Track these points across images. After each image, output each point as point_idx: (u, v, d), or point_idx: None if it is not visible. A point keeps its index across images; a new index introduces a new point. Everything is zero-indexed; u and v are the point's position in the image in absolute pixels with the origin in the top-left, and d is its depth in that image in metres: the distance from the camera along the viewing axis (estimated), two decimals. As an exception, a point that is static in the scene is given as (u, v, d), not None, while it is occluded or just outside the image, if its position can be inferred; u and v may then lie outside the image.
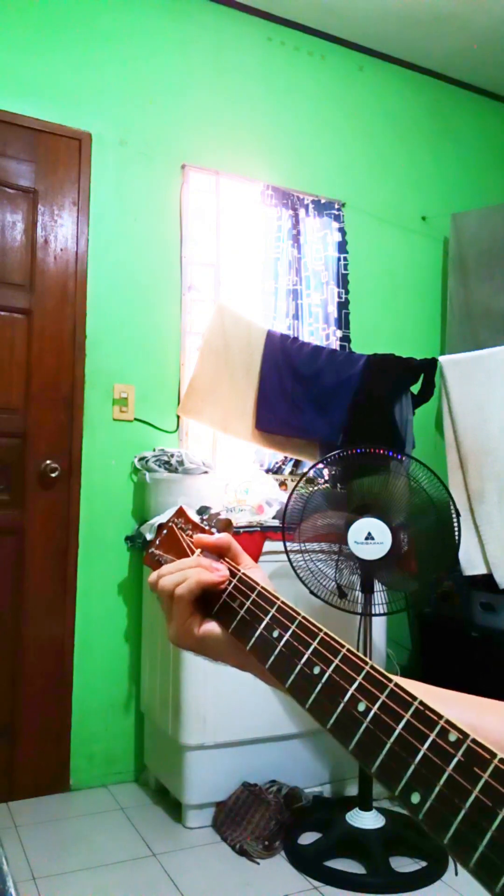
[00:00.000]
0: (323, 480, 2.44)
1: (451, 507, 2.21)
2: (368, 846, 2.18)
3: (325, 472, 2.42)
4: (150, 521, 2.58)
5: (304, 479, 2.34)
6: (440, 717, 0.45)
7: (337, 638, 0.56)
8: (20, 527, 2.64)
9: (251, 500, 2.71)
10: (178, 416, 2.92)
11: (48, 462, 2.67)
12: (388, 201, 3.49)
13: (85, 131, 2.81)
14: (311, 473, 2.37)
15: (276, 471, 3.05)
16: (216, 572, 0.68)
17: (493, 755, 0.41)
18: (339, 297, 3.20)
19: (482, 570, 2.68)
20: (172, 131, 3.00)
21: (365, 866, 2.15)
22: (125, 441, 2.81)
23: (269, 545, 2.52)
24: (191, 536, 0.76)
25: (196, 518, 0.78)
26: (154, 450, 2.78)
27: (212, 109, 3.09)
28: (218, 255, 3.06)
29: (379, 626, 2.68)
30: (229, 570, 0.70)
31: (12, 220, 2.68)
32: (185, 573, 0.68)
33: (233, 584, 0.68)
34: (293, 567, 2.27)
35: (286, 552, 2.27)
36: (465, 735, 0.43)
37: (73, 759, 2.68)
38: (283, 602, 0.63)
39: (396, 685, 0.49)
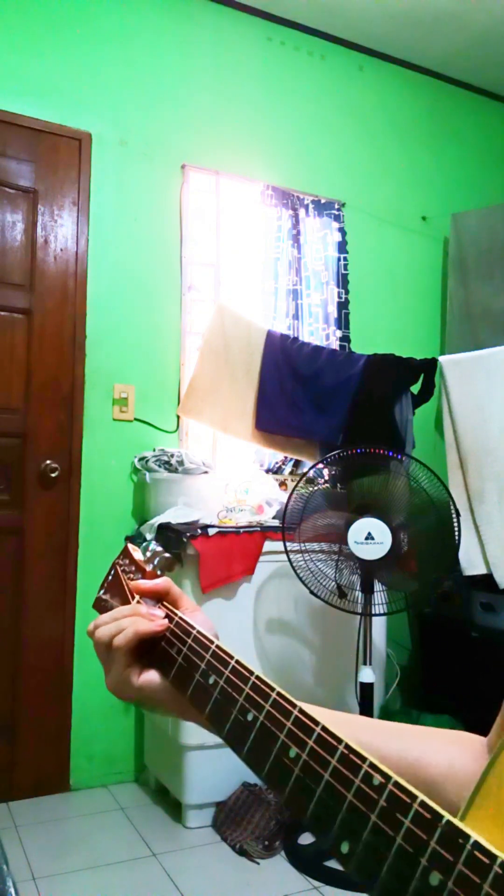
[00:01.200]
0: (323, 480, 2.44)
1: (451, 507, 2.21)
2: (368, 846, 2.17)
3: (325, 472, 2.42)
4: (150, 521, 2.58)
5: (304, 479, 2.34)
6: (364, 759, 0.44)
7: (267, 680, 0.55)
8: (20, 527, 2.64)
9: (251, 500, 2.71)
10: (178, 416, 2.92)
11: (48, 462, 2.67)
12: (388, 201, 3.49)
13: (85, 131, 2.81)
14: (311, 473, 2.37)
15: (276, 471, 3.04)
16: (153, 621, 0.66)
17: (414, 798, 0.40)
18: (339, 297, 3.20)
19: (482, 570, 2.68)
20: (172, 131, 3.00)
21: (365, 866, 2.14)
22: (125, 441, 2.81)
23: (269, 545, 2.52)
24: (132, 579, 0.74)
25: (140, 557, 0.76)
26: (154, 450, 2.78)
27: (212, 109, 3.09)
28: (218, 255, 3.06)
29: (379, 626, 2.68)
30: (167, 615, 0.68)
31: (12, 220, 2.68)
32: (121, 623, 0.67)
33: (170, 630, 0.66)
34: (293, 567, 2.27)
35: (286, 552, 2.27)
36: (388, 778, 0.42)
37: (73, 759, 2.68)
38: (217, 646, 0.62)
39: (323, 728, 0.48)
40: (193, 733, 2.36)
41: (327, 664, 2.63)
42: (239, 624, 2.49)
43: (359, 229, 3.36)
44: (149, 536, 2.53)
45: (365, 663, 2.31)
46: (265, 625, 2.56)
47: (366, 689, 2.28)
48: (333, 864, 2.16)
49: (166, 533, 2.46)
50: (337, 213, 3.25)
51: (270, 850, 2.24)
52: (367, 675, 2.29)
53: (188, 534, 2.38)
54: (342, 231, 3.26)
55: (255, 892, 2.05)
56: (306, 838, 2.29)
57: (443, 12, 3.19)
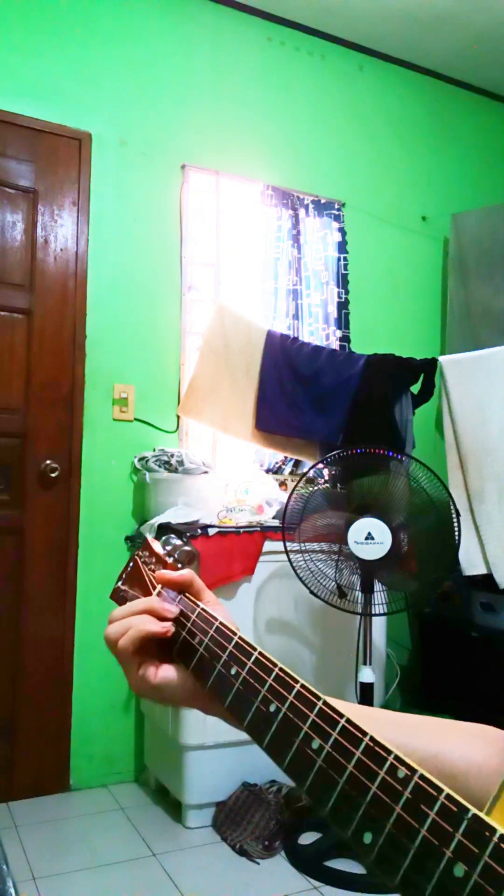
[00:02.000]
0: (323, 480, 2.44)
1: (451, 507, 2.21)
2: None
3: (325, 472, 2.42)
4: (150, 521, 2.57)
5: (304, 479, 2.34)
6: (389, 752, 0.44)
7: (291, 672, 0.56)
8: (20, 527, 2.64)
9: (251, 500, 2.71)
10: (178, 416, 2.92)
11: (48, 462, 2.67)
12: (388, 201, 3.49)
13: (85, 131, 2.81)
14: (311, 473, 2.37)
15: (276, 471, 3.04)
16: (161, 623, 0.66)
17: (440, 791, 0.40)
18: (339, 297, 3.20)
19: (482, 570, 2.68)
20: (172, 131, 3.00)
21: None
22: (125, 441, 2.81)
23: (269, 545, 2.52)
24: (153, 571, 0.74)
25: (161, 550, 0.76)
26: (154, 450, 2.78)
27: (212, 109, 3.09)
28: (218, 255, 3.06)
29: (379, 626, 2.68)
30: (190, 606, 0.68)
31: (12, 220, 2.68)
32: (130, 622, 0.66)
33: (192, 621, 0.66)
34: (293, 567, 2.27)
35: (286, 552, 2.27)
36: (413, 771, 0.42)
37: (73, 759, 2.68)
38: (240, 637, 0.62)
39: (348, 721, 0.48)
40: (193, 733, 2.36)
41: (327, 664, 2.63)
42: (239, 624, 2.44)
43: (359, 229, 3.36)
44: (149, 536, 2.52)
45: (365, 663, 2.31)
46: (265, 625, 2.56)
47: (366, 689, 2.28)
48: (333, 864, 2.16)
49: (166, 533, 2.46)
50: (337, 213, 3.25)
51: (270, 850, 2.24)
52: (367, 675, 2.29)
53: (188, 534, 2.38)
54: (342, 231, 3.26)
55: (255, 892, 2.05)
56: (306, 838, 2.29)
57: (443, 12, 3.19)
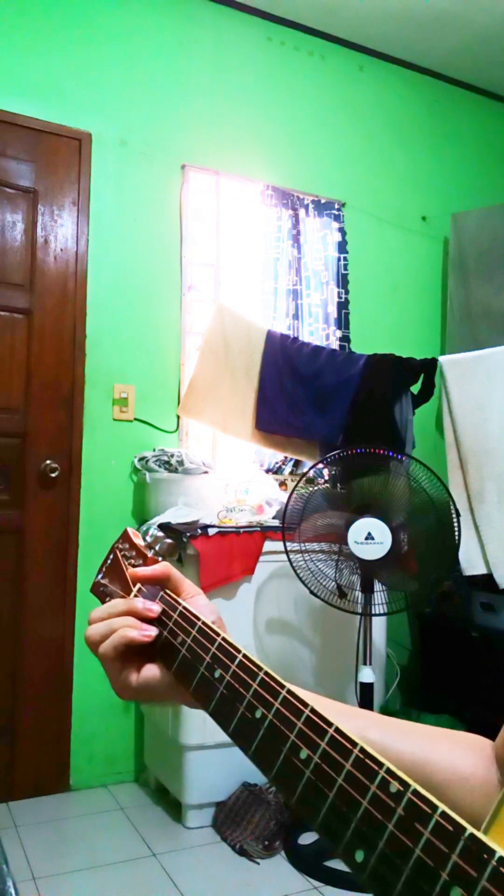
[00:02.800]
0: (323, 480, 2.44)
1: (451, 507, 2.21)
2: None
3: (325, 472, 2.42)
4: (149, 521, 2.57)
5: (304, 479, 2.34)
6: (381, 765, 0.42)
7: (277, 677, 0.53)
8: (20, 527, 2.64)
9: (251, 500, 2.71)
10: (178, 416, 2.92)
11: (48, 462, 2.67)
12: (388, 201, 3.49)
13: (85, 131, 2.81)
14: (311, 473, 2.37)
15: (276, 471, 3.04)
16: (142, 629, 0.64)
17: (434, 808, 0.38)
18: (339, 297, 3.20)
19: (482, 570, 2.68)
20: (172, 131, 3.00)
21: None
22: (125, 441, 2.81)
23: (269, 545, 2.52)
24: (133, 564, 0.72)
25: (140, 542, 0.74)
26: (154, 450, 2.78)
27: (212, 109, 3.09)
28: (218, 255, 3.06)
29: (379, 626, 2.68)
30: (171, 604, 0.66)
31: (12, 220, 2.68)
32: (111, 624, 0.65)
33: (173, 620, 0.64)
34: (293, 567, 2.27)
35: (286, 552, 2.27)
36: (406, 785, 0.40)
37: (73, 759, 2.68)
38: (223, 638, 0.59)
39: (336, 730, 0.46)
40: (193, 733, 2.36)
41: (327, 664, 2.63)
42: (239, 624, 2.49)
43: (359, 229, 3.36)
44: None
45: (365, 663, 2.31)
46: (265, 625, 2.56)
47: (366, 689, 2.28)
48: (334, 864, 2.16)
49: (166, 533, 2.46)
50: (337, 213, 3.25)
51: (270, 850, 2.24)
52: (367, 675, 2.29)
53: (188, 534, 2.38)
54: (342, 231, 3.26)
55: (255, 892, 2.05)
56: (306, 838, 2.29)
57: (443, 12, 3.19)
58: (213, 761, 2.39)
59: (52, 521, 2.69)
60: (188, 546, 2.38)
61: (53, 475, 2.67)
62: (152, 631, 0.65)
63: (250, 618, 2.53)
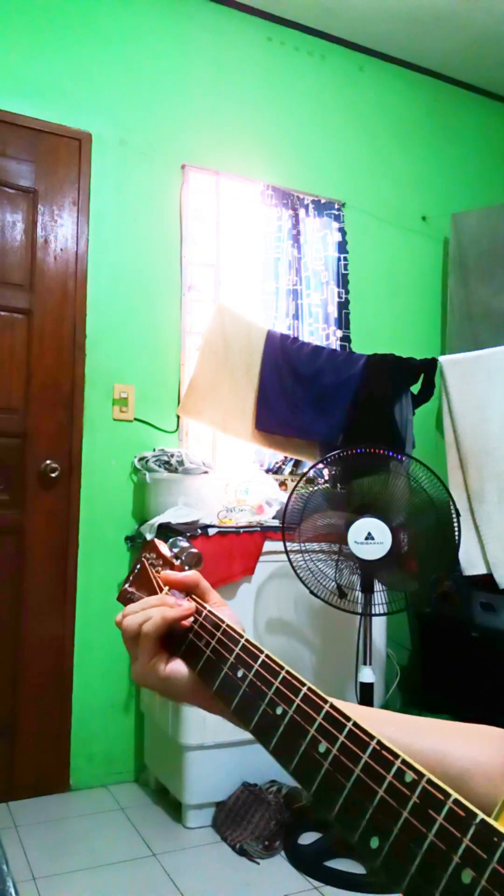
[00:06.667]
0: (323, 480, 2.44)
1: (451, 507, 2.21)
2: (368, 846, 2.17)
3: (325, 472, 2.42)
4: (150, 521, 2.58)
5: (304, 479, 2.34)
6: (397, 756, 0.44)
7: (298, 675, 0.56)
8: (20, 527, 2.64)
9: (251, 500, 2.71)
10: (178, 416, 2.92)
11: (48, 462, 2.67)
12: (388, 201, 3.49)
13: (85, 131, 2.81)
14: (311, 473, 2.37)
15: (276, 471, 3.04)
16: (182, 608, 0.68)
17: (448, 796, 0.40)
18: (339, 297, 3.20)
19: (482, 570, 2.68)
20: (172, 131, 3.00)
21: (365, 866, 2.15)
22: (125, 441, 2.81)
23: (269, 545, 2.52)
24: (160, 573, 0.75)
25: (167, 552, 0.77)
26: (154, 450, 2.78)
27: (212, 109, 3.09)
28: (218, 255, 3.06)
29: (379, 626, 2.68)
30: (197, 608, 0.69)
31: (12, 220, 2.68)
32: (149, 612, 0.68)
33: (198, 623, 0.67)
34: (293, 567, 2.27)
35: (286, 552, 2.27)
36: (421, 775, 0.42)
37: (73, 759, 2.68)
38: (246, 640, 0.62)
39: (355, 724, 0.48)
40: (193, 733, 2.36)
41: (327, 664, 2.63)
42: (239, 624, 2.49)
43: (359, 229, 3.36)
44: (149, 536, 2.53)
45: (365, 663, 2.31)
46: (265, 625, 2.56)
47: (366, 689, 2.28)
48: (333, 864, 2.16)
49: (166, 533, 2.46)
50: (337, 213, 3.25)
51: (270, 850, 2.24)
52: (367, 675, 2.29)
53: (188, 534, 2.38)
54: (342, 231, 3.26)
55: (255, 892, 2.05)
56: (306, 838, 2.29)
57: (443, 12, 3.19)
58: (213, 761, 2.39)
59: (51, 521, 2.69)
60: (188, 546, 2.38)
61: (53, 475, 2.67)
62: (191, 606, 0.68)
63: (250, 618, 2.53)
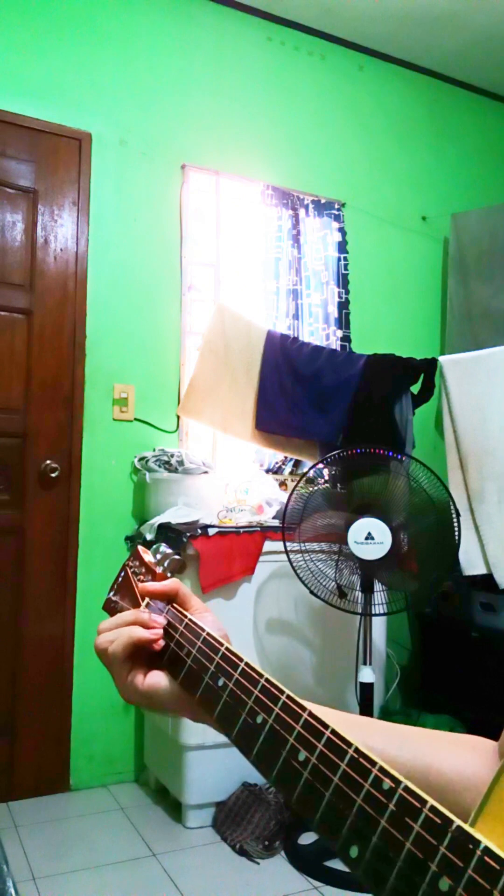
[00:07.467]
0: (323, 480, 2.44)
1: (451, 507, 2.21)
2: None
3: (325, 472, 2.42)
4: (149, 521, 2.58)
5: (304, 479, 2.34)
6: (374, 763, 0.44)
7: (277, 683, 0.56)
8: (20, 527, 2.64)
9: (251, 500, 2.71)
10: (178, 416, 2.92)
11: (48, 462, 2.67)
12: (388, 201, 3.49)
13: (85, 131, 2.81)
14: (311, 473, 2.37)
15: (276, 471, 3.04)
16: (151, 629, 0.67)
17: (424, 803, 0.40)
18: (339, 297, 3.20)
19: (482, 570, 2.68)
20: (172, 131, 3.00)
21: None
22: (125, 441, 2.81)
23: (269, 545, 2.52)
24: (142, 581, 0.75)
25: (151, 559, 0.77)
26: (154, 450, 2.78)
27: (212, 109, 3.09)
28: (218, 255, 3.06)
29: (379, 626, 2.68)
30: (177, 617, 0.69)
31: (12, 220, 2.68)
32: (120, 632, 0.67)
33: (179, 632, 0.67)
34: (293, 567, 2.27)
35: (286, 552, 2.27)
36: (398, 782, 0.42)
37: (73, 759, 2.68)
38: (226, 648, 0.62)
39: (333, 731, 0.48)
40: (193, 733, 2.36)
41: (327, 664, 2.63)
42: (239, 624, 2.49)
43: (359, 229, 3.36)
44: (149, 536, 2.53)
45: (365, 663, 2.31)
46: (265, 625, 2.56)
47: (366, 689, 2.28)
48: (333, 864, 2.16)
49: (166, 533, 2.46)
50: (337, 213, 3.25)
51: (270, 850, 2.24)
52: (367, 675, 2.29)
53: (188, 534, 2.38)
54: (342, 231, 3.26)
55: (255, 892, 2.06)
56: (306, 838, 2.29)
57: (443, 12, 3.19)
58: (213, 761, 2.39)
59: (52, 521, 2.69)
60: (188, 546, 2.38)
61: (53, 475, 2.67)
62: (158, 630, 0.67)
63: (250, 618, 2.53)
